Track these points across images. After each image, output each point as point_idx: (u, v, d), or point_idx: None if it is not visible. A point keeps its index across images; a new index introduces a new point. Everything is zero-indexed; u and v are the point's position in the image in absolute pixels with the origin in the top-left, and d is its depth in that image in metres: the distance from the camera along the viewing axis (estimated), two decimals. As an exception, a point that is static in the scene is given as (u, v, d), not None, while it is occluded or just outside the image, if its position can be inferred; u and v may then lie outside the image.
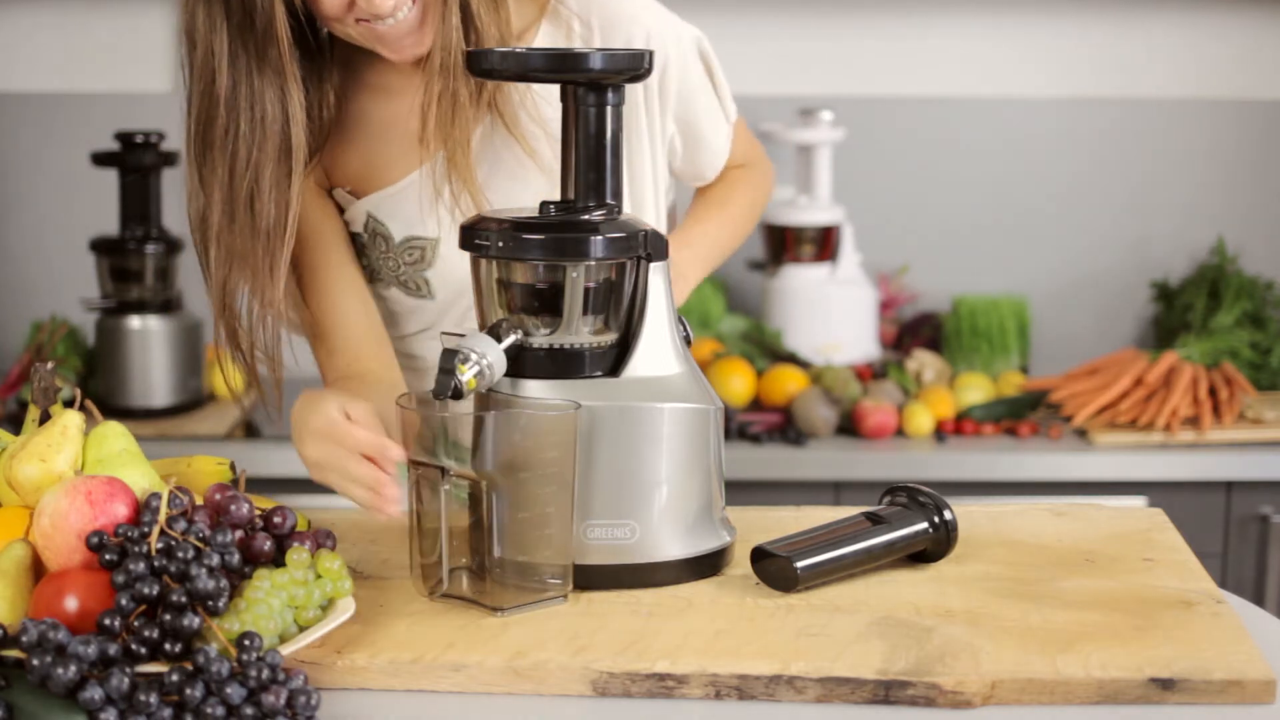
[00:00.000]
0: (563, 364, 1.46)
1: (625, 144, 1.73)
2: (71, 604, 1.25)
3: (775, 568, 1.44)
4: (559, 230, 1.44)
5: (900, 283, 3.38)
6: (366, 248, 1.78)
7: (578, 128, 1.47)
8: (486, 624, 1.37)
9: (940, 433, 2.96)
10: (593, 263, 1.44)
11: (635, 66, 1.45)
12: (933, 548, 1.50)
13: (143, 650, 1.22)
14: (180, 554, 1.25)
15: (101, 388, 3.06)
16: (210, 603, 1.24)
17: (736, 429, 2.97)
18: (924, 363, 3.15)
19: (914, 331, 3.32)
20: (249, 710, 1.18)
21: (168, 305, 3.08)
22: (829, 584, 1.45)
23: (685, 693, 1.27)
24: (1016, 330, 3.24)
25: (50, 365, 1.52)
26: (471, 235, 1.45)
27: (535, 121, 1.69)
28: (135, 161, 3.06)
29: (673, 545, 1.46)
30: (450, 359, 1.41)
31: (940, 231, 3.40)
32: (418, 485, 1.40)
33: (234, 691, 1.17)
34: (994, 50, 3.36)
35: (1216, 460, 2.88)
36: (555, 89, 1.58)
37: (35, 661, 1.16)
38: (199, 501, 1.40)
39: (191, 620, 1.22)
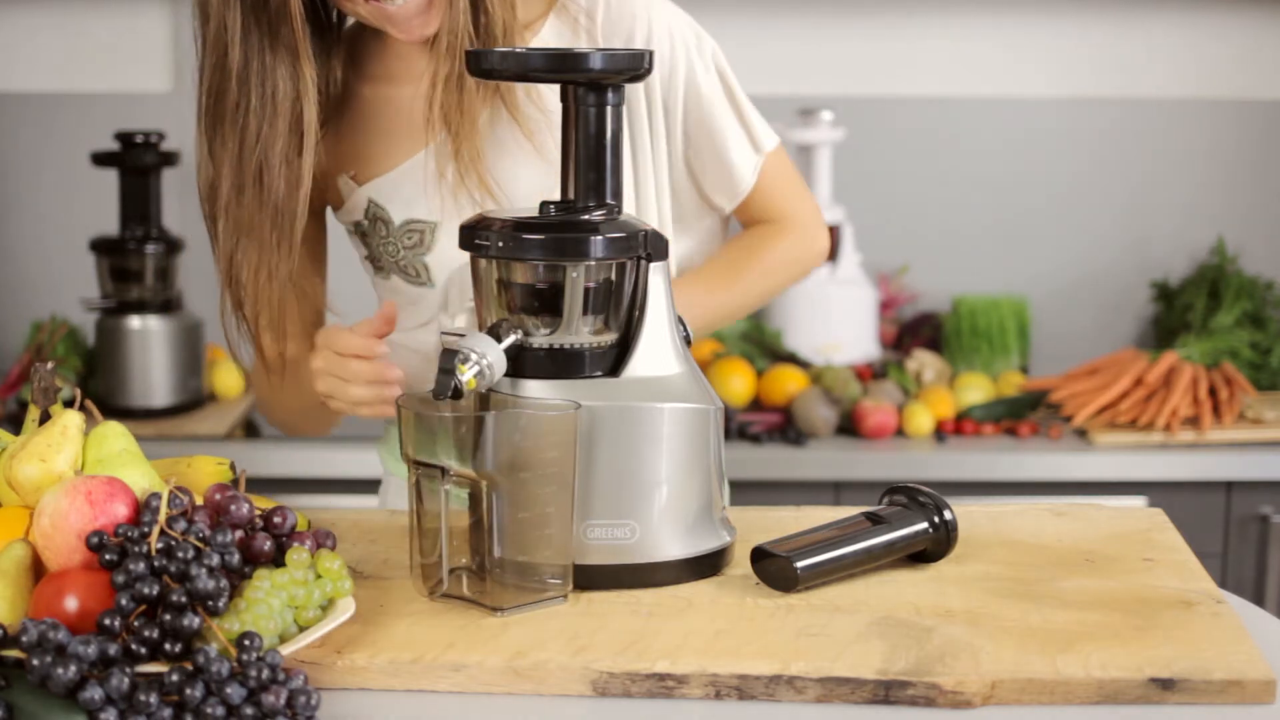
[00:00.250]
0: (563, 364, 1.46)
1: (626, 144, 1.74)
2: (71, 604, 1.25)
3: (775, 568, 1.44)
4: (559, 230, 1.44)
5: (900, 283, 3.38)
6: (367, 235, 1.79)
7: (578, 128, 1.47)
8: (486, 624, 1.37)
9: (940, 433, 2.96)
10: (593, 263, 1.44)
11: (635, 66, 1.45)
12: (933, 548, 1.50)
13: (143, 650, 1.22)
14: (180, 554, 1.25)
15: (101, 388, 3.06)
16: (210, 603, 1.24)
17: (736, 429, 2.97)
18: (924, 363, 3.15)
19: (914, 331, 3.32)
20: (249, 710, 1.18)
21: (168, 305, 3.08)
22: (829, 584, 1.45)
23: (685, 693, 1.27)
24: (1016, 330, 3.24)
25: (50, 365, 1.52)
26: (471, 235, 1.45)
27: (538, 108, 1.70)
28: (135, 161, 3.06)
29: (673, 545, 1.46)
30: (450, 359, 1.41)
31: (940, 231, 3.40)
32: (418, 485, 1.40)
33: (234, 691, 1.17)
34: (994, 50, 3.37)
35: (1216, 460, 2.88)
36: None
37: (35, 661, 1.16)
38: (199, 501, 1.40)
39: (191, 620, 1.22)
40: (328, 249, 1.87)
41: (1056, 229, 3.40)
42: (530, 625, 1.36)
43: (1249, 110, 3.37)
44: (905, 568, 1.50)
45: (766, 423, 2.98)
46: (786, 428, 2.95)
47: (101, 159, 3.08)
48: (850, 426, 2.97)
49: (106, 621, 1.22)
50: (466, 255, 1.71)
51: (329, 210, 1.86)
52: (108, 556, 1.27)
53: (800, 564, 1.42)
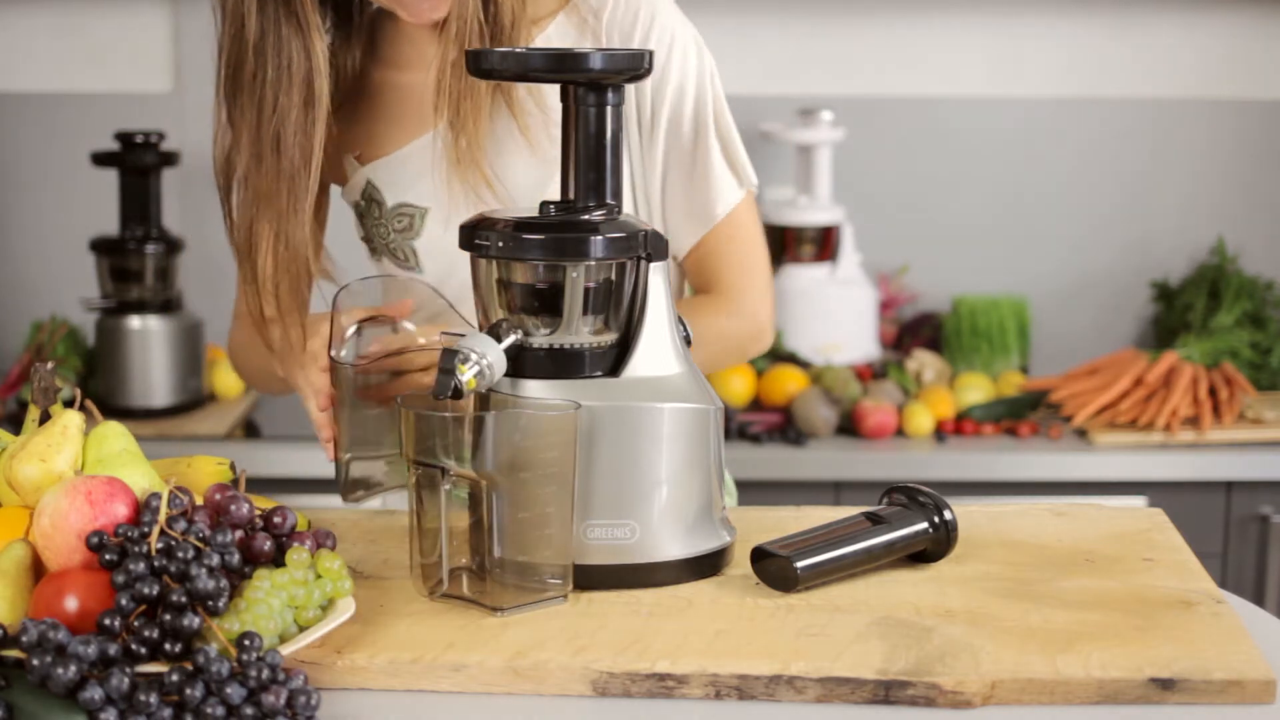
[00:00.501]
0: (563, 364, 1.46)
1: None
2: (71, 604, 1.25)
3: (775, 568, 1.44)
4: (559, 230, 1.44)
5: (900, 283, 3.38)
6: (363, 215, 1.82)
7: (578, 128, 1.47)
8: (486, 624, 1.37)
9: (940, 433, 2.96)
10: (593, 263, 1.44)
11: (635, 66, 1.45)
12: (933, 548, 1.50)
13: (143, 650, 1.22)
14: (180, 554, 1.25)
15: (101, 388, 3.06)
16: (210, 603, 1.24)
17: (736, 429, 2.97)
18: (924, 363, 3.15)
19: (914, 331, 3.32)
20: (249, 710, 1.18)
21: (168, 305, 3.08)
22: (829, 584, 1.45)
23: (685, 693, 1.27)
24: (1016, 330, 3.24)
25: (50, 365, 1.52)
26: (471, 235, 1.45)
27: (537, 105, 1.70)
28: (135, 161, 3.06)
29: (673, 545, 1.46)
30: (450, 359, 1.41)
31: (940, 231, 3.40)
32: (418, 485, 1.40)
33: (234, 691, 1.17)
34: (994, 50, 3.37)
35: (1216, 460, 2.88)
36: None
37: (35, 661, 1.16)
38: (199, 501, 1.40)
39: (191, 620, 1.22)
40: (327, 222, 1.89)
41: (1056, 229, 3.40)
42: (530, 625, 1.36)
43: (1249, 110, 3.37)
44: (905, 568, 1.50)
45: (766, 423, 2.98)
46: (786, 428, 2.95)
47: (101, 159, 3.08)
48: (850, 426, 2.98)
49: (106, 621, 1.22)
50: (450, 245, 1.72)
51: (334, 189, 1.88)
52: (108, 556, 1.27)
53: (800, 564, 1.42)
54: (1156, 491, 2.88)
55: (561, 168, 1.50)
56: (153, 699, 1.16)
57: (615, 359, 1.48)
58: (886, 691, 1.25)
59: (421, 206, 1.76)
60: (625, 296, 1.47)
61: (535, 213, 1.47)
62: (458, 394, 1.40)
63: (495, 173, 1.71)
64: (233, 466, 1.59)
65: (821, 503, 2.87)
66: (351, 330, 1.61)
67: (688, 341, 1.53)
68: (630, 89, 1.74)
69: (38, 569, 1.33)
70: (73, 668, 1.16)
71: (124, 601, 1.23)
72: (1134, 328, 3.43)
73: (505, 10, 1.67)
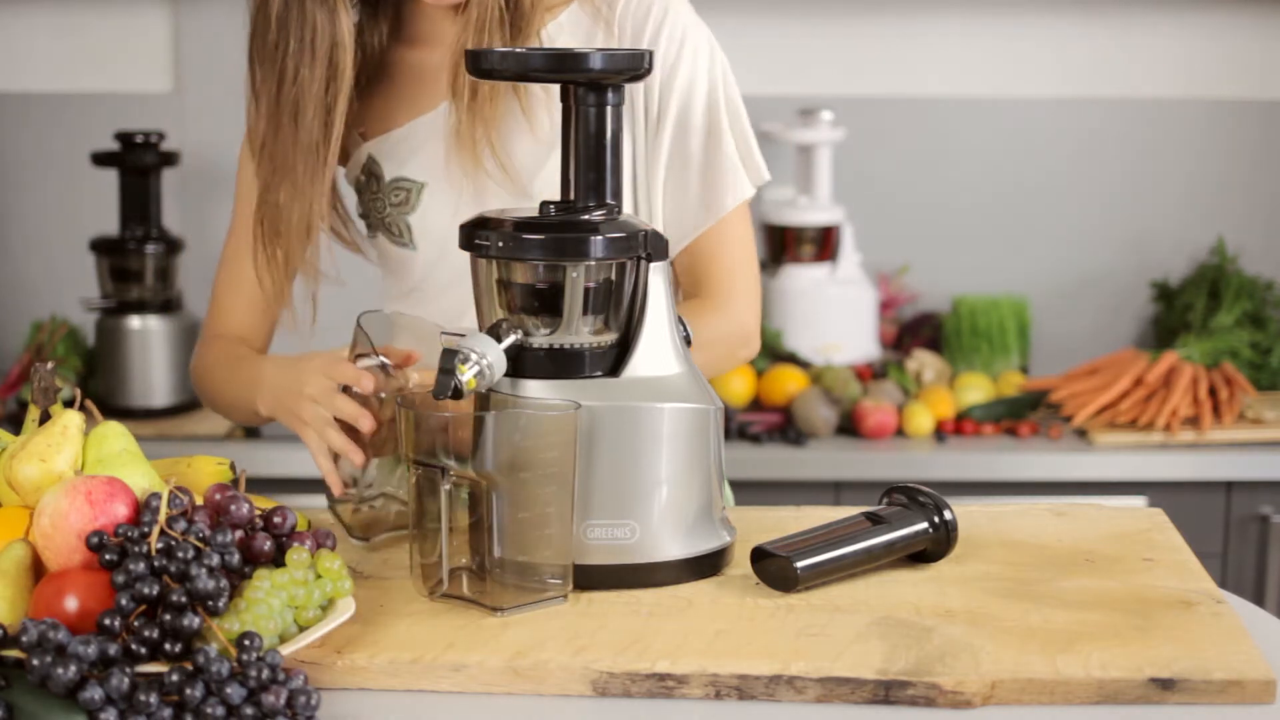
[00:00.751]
0: (563, 364, 1.46)
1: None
2: (71, 604, 1.25)
3: (775, 568, 1.44)
4: (559, 230, 1.44)
5: (900, 283, 3.38)
6: (361, 190, 1.83)
7: (578, 128, 1.47)
8: (486, 624, 1.37)
9: (940, 433, 2.96)
10: (593, 263, 1.44)
11: (635, 66, 1.45)
12: (933, 548, 1.50)
13: (143, 650, 1.22)
14: (180, 554, 1.25)
15: (101, 388, 3.06)
16: (210, 603, 1.24)
17: (736, 429, 2.97)
18: (924, 363, 3.15)
19: (914, 331, 3.32)
20: (249, 710, 1.18)
21: (168, 305, 3.08)
22: (829, 584, 1.45)
23: (685, 693, 1.27)
24: (1016, 330, 3.24)
25: (50, 365, 1.52)
26: (471, 235, 1.45)
27: (543, 85, 1.72)
28: (135, 161, 3.06)
29: (673, 545, 1.46)
30: (450, 359, 1.41)
31: (940, 231, 3.40)
32: (418, 485, 1.40)
33: (234, 691, 1.17)
34: (994, 50, 3.37)
35: (1216, 460, 2.88)
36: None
37: (35, 661, 1.16)
38: (199, 501, 1.40)
39: (191, 620, 1.22)
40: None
41: (1056, 229, 3.40)
42: (530, 625, 1.36)
43: (1249, 110, 3.37)
44: (905, 568, 1.50)
45: (766, 423, 2.98)
46: (786, 428, 2.95)
47: (101, 159, 3.08)
48: (850, 426, 2.98)
49: (106, 621, 1.22)
50: (444, 223, 1.72)
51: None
52: (108, 556, 1.27)
53: (800, 564, 1.42)
54: (1156, 491, 2.88)
55: (561, 168, 1.50)
56: (153, 699, 1.16)
57: (615, 359, 1.48)
58: (886, 691, 1.25)
59: (419, 181, 1.78)
60: (625, 296, 1.47)
61: (535, 213, 1.47)
62: (458, 394, 1.40)
63: (499, 150, 1.72)
64: (233, 466, 1.59)
65: (821, 503, 2.87)
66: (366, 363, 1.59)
67: (688, 341, 1.53)
68: (639, 84, 1.75)
69: (38, 569, 1.33)
70: (73, 668, 1.16)
71: (124, 601, 1.23)
72: (1134, 328, 3.43)
73: None
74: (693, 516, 1.47)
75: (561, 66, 1.45)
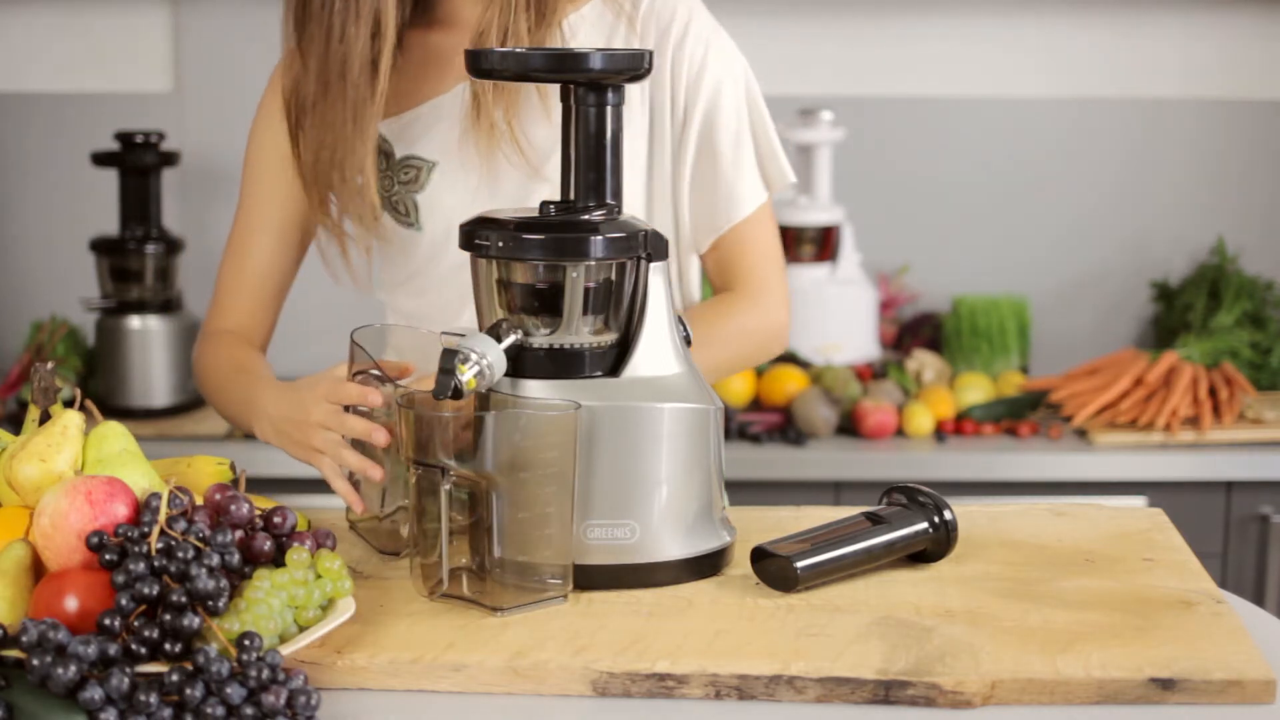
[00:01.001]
0: (563, 364, 1.46)
1: (643, 153, 1.75)
2: (71, 604, 1.25)
3: (775, 568, 1.44)
4: (559, 230, 1.44)
5: (900, 283, 3.38)
6: None
7: (578, 128, 1.47)
8: (486, 624, 1.37)
9: (940, 433, 2.96)
10: (593, 263, 1.44)
11: (635, 66, 1.45)
12: (933, 548, 1.50)
13: (143, 650, 1.22)
14: (180, 554, 1.25)
15: (101, 388, 3.06)
16: (210, 603, 1.24)
17: (736, 429, 2.97)
18: (924, 363, 3.15)
19: (914, 331, 3.32)
20: (249, 710, 1.18)
21: (168, 305, 3.08)
22: (829, 584, 1.45)
23: (685, 693, 1.27)
24: (1016, 330, 3.24)
25: (50, 365, 1.52)
26: (471, 235, 1.45)
27: None
28: (135, 161, 3.06)
29: (673, 545, 1.46)
30: (450, 359, 1.41)
31: (940, 231, 3.40)
32: (418, 485, 1.40)
33: (234, 691, 1.17)
34: (994, 50, 3.36)
35: (1216, 460, 2.88)
36: (599, 41, 1.69)
37: (35, 661, 1.16)
38: (199, 501, 1.40)
39: (191, 620, 1.22)
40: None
41: (1056, 229, 3.40)
42: (530, 625, 1.36)
43: (1249, 110, 3.37)
44: (905, 568, 1.50)
45: (766, 423, 2.98)
46: (786, 428, 2.95)
47: (101, 159, 3.08)
48: (850, 426, 2.97)
49: (106, 621, 1.22)
50: (453, 204, 1.72)
51: None
52: (108, 556, 1.27)
53: (800, 564, 1.42)
54: (1156, 491, 2.88)
55: (562, 168, 1.50)
56: (153, 699, 1.16)
57: (615, 359, 1.48)
58: (886, 691, 1.25)
59: (430, 160, 1.78)
60: (625, 296, 1.47)
61: (535, 213, 1.47)
62: (458, 394, 1.40)
63: (515, 132, 1.74)
64: (233, 466, 1.59)
65: (821, 503, 2.87)
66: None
67: (688, 342, 1.53)
68: (665, 84, 1.76)
69: (38, 569, 1.33)
70: (73, 668, 1.16)
71: (124, 601, 1.23)
72: (1134, 328, 3.43)
73: None
74: (693, 516, 1.47)
75: (561, 66, 1.45)
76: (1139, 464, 2.87)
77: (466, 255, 1.49)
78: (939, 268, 3.40)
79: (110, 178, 3.22)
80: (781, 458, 2.88)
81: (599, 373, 1.46)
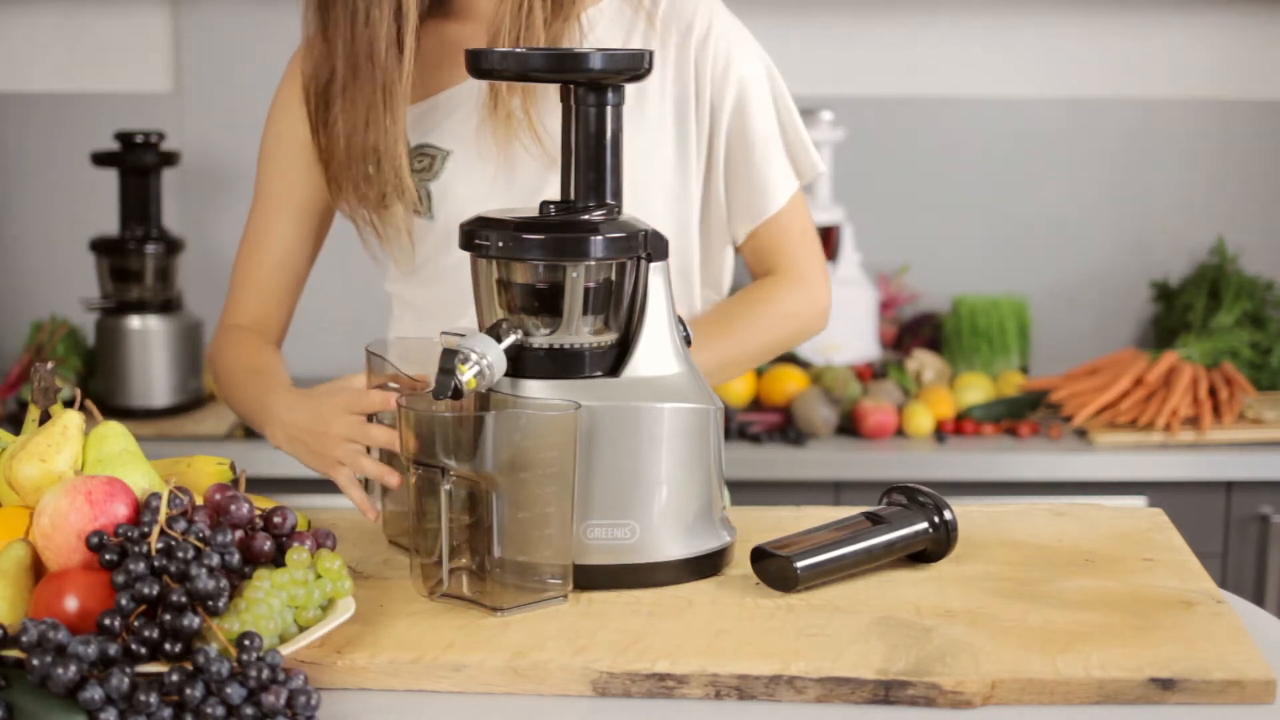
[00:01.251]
0: (563, 364, 1.46)
1: (670, 153, 1.75)
2: (71, 604, 1.25)
3: (775, 568, 1.44)
4: (559, 230, 1.44)
5: (900, 283, 3.38)
6: None
7: (578, 128, 1.47)
8: (486, 624, 1.37)
9: (940, 433, 2.96)
10: (593, 263, 1.44)
11: (635, 66, 1.45)
12: (933, 548, 1.50)
13: (143, 650, 1.22)
14: (180, 554, 1.25)
15: (101, 388, 3.06)
16: (210, 603, 1.24)
17: (736, 429, 2.97)
18: (924, 363, 3.15)
19: (914, 331, 3.32)
20: (249, 710, 1.18)
21: (168, 305, 3.08)
22: (829, 584, 1.45)
23: (685, 693, 1.27)
24: (1016, 330, 3.24)
25: (50, 365, 1.52)
26: (472, 235, 1.45)
27: None
28: (135, 161, 3.06)
29: (673, 545, 1.46)
30: (450, 359, 1.41)
31: (940, 231, 3.40)
32: (418, 485, 1.40)
33: (234, 691, 1.17)
34: (994, 50, 3.36)
35: (1216, 460, 2.88)
36: (618, 36, 1.71)
37: (35, 661, 1.16)
38: (199, 501, 1.40)
39: (191, 620, 1.22)
40: None
41: (1056, 229, 3.40)
42: (530, 625, 1.36)
43: (1249, 110, 3.37)
44: (905, 568, 1.50)
45: (766, 423, 2.98)
46: (786, 428, 2.95)
47: (101, 159, 3.08)
48: (850, 426, 2.97)
49: (106, 621, 1.22)
50: (467, 194, 1.72)
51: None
52: (108, 556, 1.27)
53: (800, 564, 1.42)
54: (1156, 491, 2.88)
55: (562, 168, 1.50)
56: (153, 699, 1.16)
57: (615, 359, 1.48)
58: (886, 691, 1.25)
59: (444, 149, 1.79)
60: (625, 296, 1.47)
61: (535, 213, 1.47)
62: (458, 394, 1.40)
63: (534, 121, 1.75)
64: (233, 466, 1.59)
65: (821, 503, 2.87)
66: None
67: (688, 341, 1.53)
68: (690, 83, 1.76)
69: (38, 569, 1.33)
70: (73, 668, 1.16)
71: (124, 601, 1.23)
72: (1134, 328, 3.43)
73: None
74: (693, 516, 1.47)
75: (561, 66, 1.45)
76: (1139, 464, 2.87)
77: None
78: (939, 268, 3.40)
79: (110, 178, 3.22)
80: (781, 458, 2.88)
81: (599, 373, 1.46)
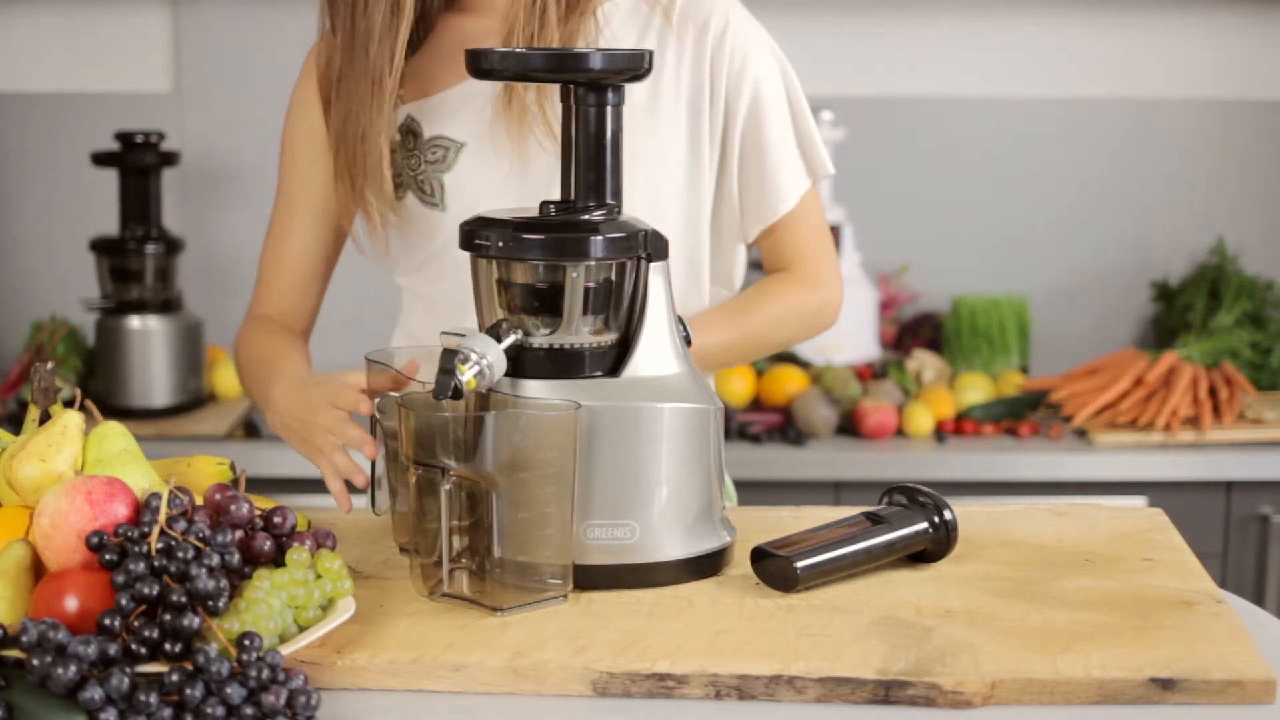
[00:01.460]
0: (563, 364, 1.46)
1: (683, 154, 1.75)
2: (71, 604, 1.25)
3: (775, 568, 1.44)
4: (559, 230, 1.44)
5: (900, 283, 3.38)
6: (396, 150, 1.84)
7: (578, 128, 1.47)
8: (486, 624, 1.37)
9: (940, 433, 2.96)
10: (593, 263, 1.44)
11: (635, 66, 1.45)
12: (933, 548, 1.50)
13: (143, 650, 1.22)
14: (180, 554, 1.25)
15: (101, 388, 3.06)
16: (210, 603, 1.24)
17: (736, 429, 2.97)
18: (924, 363, 3.15)
19: (914, 331, 3.32)
20: (249, 710, 1.18)
21: (168, 305, 3.08)
22: (829, 584, 1.45)
23: (685, 693, 1.27)
24: (1016, 330, 3.24)
25: (50, 365, 1.52)
26: (471, 235, 1.45)
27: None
28: (135, 161, 3.06)
29: (673, 545, 1.46)
30: (450, 359, 1.41)
31: (940, 231, 3.40)
32: (418, 485, 1.40)
33: (234, 691, 1.17)
34: (994, 50, 3.36)
35: (1216, 460, 2.88)
36: (633, 32, 1.70)
37: (35, 661, 1.16)
38: (199, 501, 1.40)
39: (191, 620, 1.22)
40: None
41: (1056, 229, 3.40)
42: (530, 625, 1.36)
43: (1249, 110, 3.37)
44: (905, 568, 1.50)
45: (766, 423, 2.98)
46: (786, 428, 2.95)
47: (101, 159, 3.08)
48: (850, 426, 2.97)
49: (106, 621, 1.22)
50: (481, 186, 1.72)
51: None
52: (108, 556, 1.27)
53: (800, 564, 1.42)
54: (1156, 491, 2.88)
55: (562, 168, 1.50)
56: (153, 699, 1.16)
57: (615, 359, 1.48)
58: (886, 691, 1.25)
59: (458, 140, 1.79)
60: (625, 296, 1.47)
61: (535, 213, 1.47)
62: (458, 394, 1.40)
63: (548, 115, 1.75)
64: (233, 466, 1.59)
65: (821, 503, 2.86)
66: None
67: (687, 341, 1.53)
68: (706, 81, 1.76)
69: (38, 569, 1.33)
70: (73, 668, 1.16)
71: (124, 601, 1.23)
72: (1134, 328, 3.43)
73: None
74: (693, 516, 1.47)
75: (561, 66, 1.45)
76: (1139, 464, 2.87)
77: None
78: (939, 268, 3.40)
79: (110, 178, 3.22)
80: (781, 458, 2.88)
81: (599, 373, 1.47)
